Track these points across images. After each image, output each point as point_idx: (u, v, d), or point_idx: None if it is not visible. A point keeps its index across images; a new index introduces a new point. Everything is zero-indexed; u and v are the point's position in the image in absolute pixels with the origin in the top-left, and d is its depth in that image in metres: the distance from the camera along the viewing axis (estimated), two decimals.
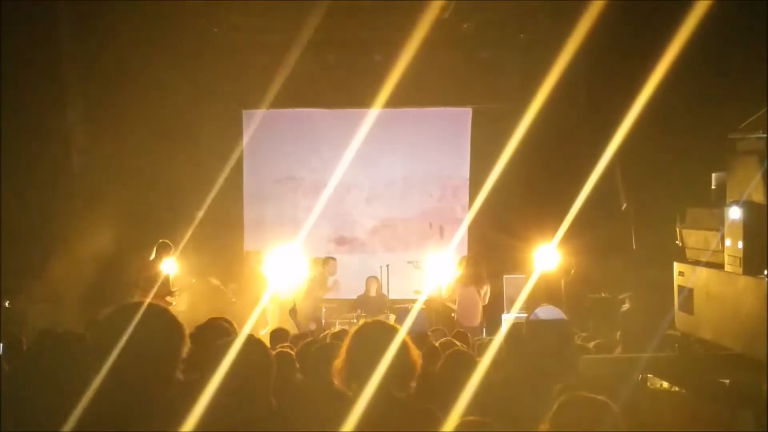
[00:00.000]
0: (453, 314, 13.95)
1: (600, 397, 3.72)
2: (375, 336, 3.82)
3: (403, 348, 3.81)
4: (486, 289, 13.83)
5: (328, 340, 6.85)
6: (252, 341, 4.39)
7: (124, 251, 13.03)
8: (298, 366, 5.90)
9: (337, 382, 3.86)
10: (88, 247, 12.06)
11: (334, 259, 14.73)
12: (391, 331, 3.84)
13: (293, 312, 11.35)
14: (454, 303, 13.93)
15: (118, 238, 12.55)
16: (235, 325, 6.18)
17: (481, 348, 7.54)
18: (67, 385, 5.06)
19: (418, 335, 3.79)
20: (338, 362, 3.85)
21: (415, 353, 3.87)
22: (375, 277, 14.78)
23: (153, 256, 13.11)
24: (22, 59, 11.89)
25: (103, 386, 3.29)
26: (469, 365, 5.52)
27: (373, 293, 14.58)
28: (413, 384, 3.84)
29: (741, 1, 9.28)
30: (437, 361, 6.00)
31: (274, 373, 4.32)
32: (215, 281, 14.06)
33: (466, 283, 13.79)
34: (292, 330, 11.40)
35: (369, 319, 4.06)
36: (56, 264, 11.90)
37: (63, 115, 13.30)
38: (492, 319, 13.60)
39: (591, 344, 8.08)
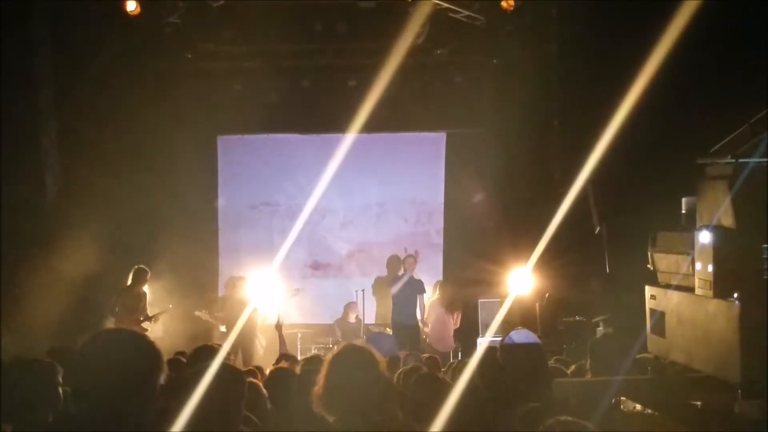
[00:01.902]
0: (425, 337, 14.01)
1: (583, 422, 3.76)
2: (353, 361, 3.82)
3: (380, 372, 3.82)
4: (458, 314, 13.90)
5: (298, 368, 6.86)
6: (226, 369, 4.42)
7: (99, 278, 12.98)
8: (267, 394, 5.87)
9: (316, 408, 3.86)
10: (63, 274, 12.00)
11: (412, 255, 14.53)
12: (369, 355, 3.84)
13: (279, 327, 11.39)
14: (427, 326, 14.01)
15: (93, 264, 12.50)
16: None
17: (455, 372, 7.56)
18: (40, 414, 5.07)
19: (389, 359, 3.82)
20: (317, 388, 3.85)
21: (393, 376, 3.88)
22: (354, 303, 14.79)
23: (129, 281, 13.09)
24: None
25: (81, 413, 3.30)
26: (441, 388, 5.55)
27: (351, 320, 14.58)
28: (393, 406, 3.85)
29: (711, 30, 9.40)
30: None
31: (243, 401, 4.35)
32: (204, 315, 13.98)
33: (438, 307, 13.86)
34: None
35: (345, 344, 4.05)
36: (30, 291, 11.83)
37: (36, 142, 13.25)
38: (467, 343, 13.64)
39: (569, 370, 8.15)
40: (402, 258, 14.56)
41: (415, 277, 14.26)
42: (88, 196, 13.09)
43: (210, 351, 6.08)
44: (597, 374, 7.03)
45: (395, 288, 14.13)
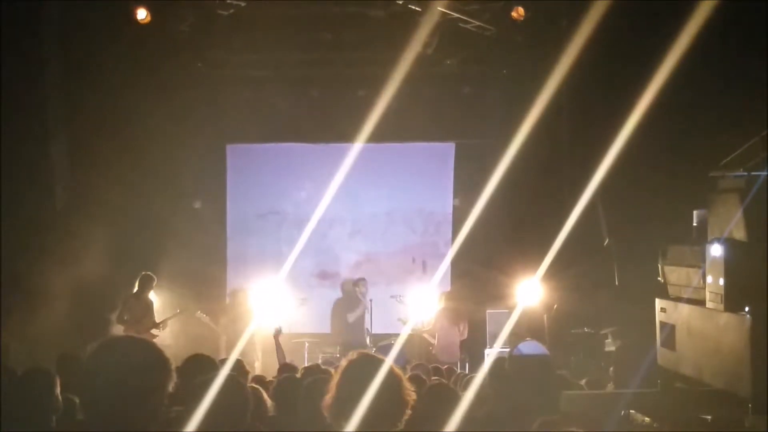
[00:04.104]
0: (431, 347, 13.99)
1: None
2: (366, 370, 3.79)
3: (394, 383, 3.79)
4: (464, 325, 13.88)
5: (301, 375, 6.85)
6: (230, 380, 4.43)
7: (107, 285, 12.99)
8: (273, 402, 5.86)
9: (327, 417, 3.84)
10: (71, 281, 12.01)
11: (363, 279, 14.98)
12: (381, 365, 3.81)
13: (276, 335, 11.42)
14: (434, 337, 13.99)
15: (101, 272, 12.52)
16: (217, 362, 6.25)
17: (461, 383, 7.55)
18: (40, 422, 5.06)
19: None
20: (328, 398, 3.83)
21: (407, 388, 3.85)
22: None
23: (136, 289, 13.09)
24: (5, 94, 11.88)
25: (89, 421, 3.28)
26: (452, 399, 5.53)
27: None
28: (404, 419, 3.82)
29: (721, 42, 9.39)
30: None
31: (249, 411, 4.38)
32: (204, 317, 13.99)
33: (445, 317, 13.85)
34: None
35: (359, 353, 4.02)
36: (39, 299, 11.84)
37: (46, 151, 13.27)
38: (475, 354, 13.61)
39: (582, 381, 8.13)
40: (355, 281, 14.84)
41: (369, 299, 14.72)
42: (97, 205, 13.11)
43: (202, 362, 6.08)
44: (619, 383, 7.03)
45: (354, 315, 14.53)
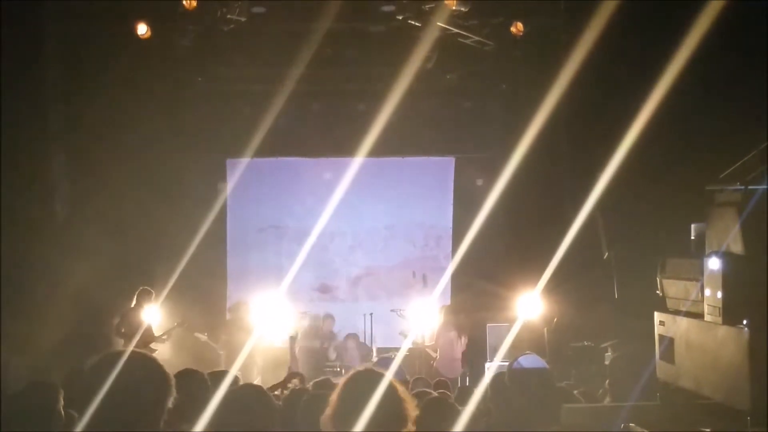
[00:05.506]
0: (433, 362, 13.97)
1: None
2: (367, 385, 3.78)
3: (395, 397, 3.79)
4: (464, 337, 13.86)
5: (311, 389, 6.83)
6: (254, 390, 4.45)
7: (106, 300, 12.97)
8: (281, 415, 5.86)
9: (325, 429, 3.83)
10: (71, 295, 12.00)
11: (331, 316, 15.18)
12: (383, 380, 3.81)
13: (292, 339, 11.47)
14: (435, 351, 13.96)
15: (101, 286, 12.50)
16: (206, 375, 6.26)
17: (462, 396, 7.55)
18: None
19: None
20: (329, 411, 3.83)
21: (409, 402, 3.84)
22: (353, 335, 14.79)
23: (134, 303, 13.07)
24: (7, 107, 11.90)
25: None
26: (450, 413, 5.53)
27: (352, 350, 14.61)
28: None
29: (719, 57, 9.43)
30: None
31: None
32: (203, 337, 14.01)
33: (446, 331, 13.83)
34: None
35: (360, 367, 4.03)
36: (38, 312, 11.83)
37: (47, 164, 13.30)
38: (475, 368, 13.58)
39: (576, 392, 8.12)
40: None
41: None
42: (97, 218, 13.10)
43: (192, 377, 6.08)
44: (615, 395, 7.03)
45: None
